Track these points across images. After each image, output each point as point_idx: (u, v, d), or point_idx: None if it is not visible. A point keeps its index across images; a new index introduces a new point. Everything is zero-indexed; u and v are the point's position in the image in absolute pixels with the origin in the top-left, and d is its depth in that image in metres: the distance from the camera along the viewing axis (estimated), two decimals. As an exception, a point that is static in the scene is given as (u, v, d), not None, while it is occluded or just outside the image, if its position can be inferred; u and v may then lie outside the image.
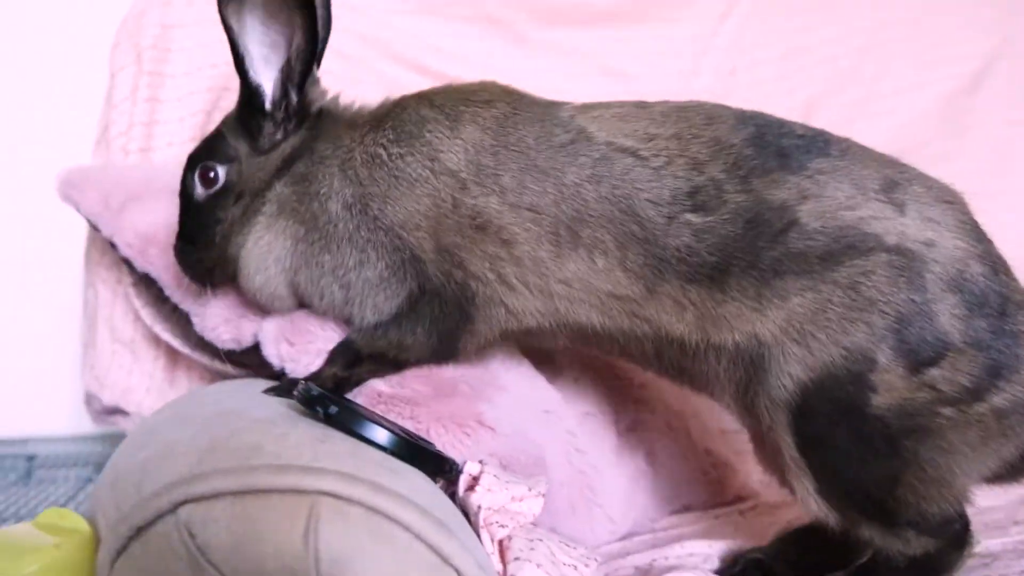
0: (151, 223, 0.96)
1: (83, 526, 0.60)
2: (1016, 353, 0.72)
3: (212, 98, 1.20)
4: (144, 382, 1.19)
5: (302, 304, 0.89)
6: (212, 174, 0.86)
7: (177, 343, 1.06)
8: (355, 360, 0.84)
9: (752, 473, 1.13)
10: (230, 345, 0.89)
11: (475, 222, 0.80)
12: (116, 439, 1.53)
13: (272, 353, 0.84)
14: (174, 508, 0.57)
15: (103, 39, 1.24)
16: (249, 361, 0.90)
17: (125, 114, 1.17)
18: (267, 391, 0.80)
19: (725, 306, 0.77)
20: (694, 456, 1.05)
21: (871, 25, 1.63)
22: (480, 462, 0.69)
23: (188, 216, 0.89)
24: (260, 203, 0.86)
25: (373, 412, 0.71)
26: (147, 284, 1.06)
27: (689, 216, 0.77)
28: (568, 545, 0.67)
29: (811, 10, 1.62)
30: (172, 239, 0.92)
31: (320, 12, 0.83)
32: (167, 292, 0.95)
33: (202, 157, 0.88)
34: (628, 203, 0.78)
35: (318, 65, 0.90)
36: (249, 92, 0.85)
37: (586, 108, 0.85)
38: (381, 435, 0.64)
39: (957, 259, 0.73)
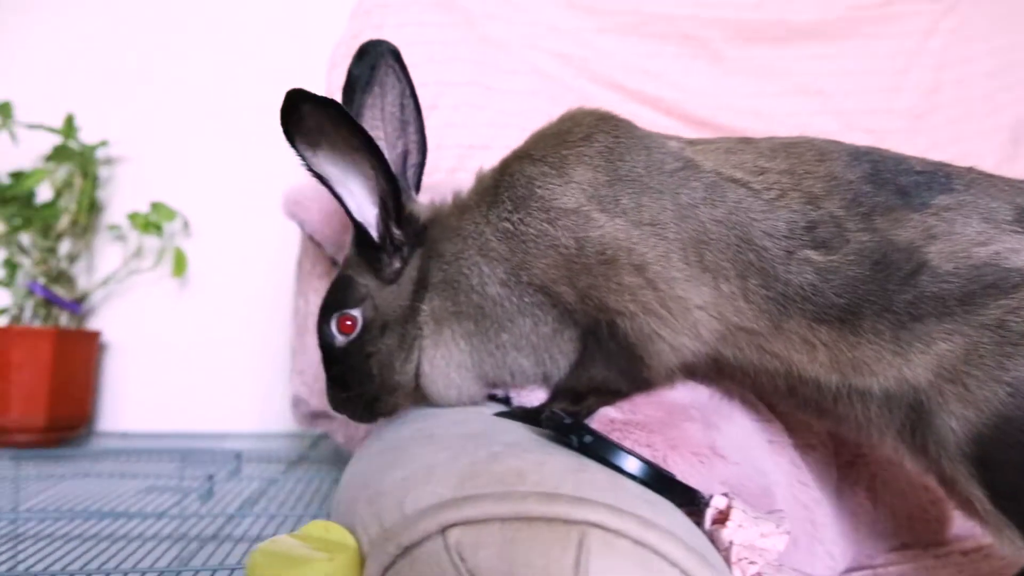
0: None
1: (350, 540, 0.63)
2: None
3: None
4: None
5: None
6: (349, 321, 0.86)
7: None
8: (577, 396, 0.83)
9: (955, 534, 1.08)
10: None
11: (602, 257, 0.78)
12: (301, 438, 1.60)
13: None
14: (442, 530, 0.58)
15: (320, 61, 1.30)
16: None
17: (341, 133, 1.22)
18: (499, 415, 0.81)
19: (860, 349, 0.75)
20: (913, 492, 1.01)
21: (1087, 40, 1.54)
22: (726, 495, 0.68)
23: (335, 364, 0.88)
24: (415, 328, 0.85)
25: (620, 442, 0.72)
26: None
27: (809, 253, 0.76)
28: (813, 584, 0.66)
29: (1020, 26, 1.55)
30: None
31: (389, 155, 0.86)
32: None
33: (336, 306, 0.87)
34: (744, 230, 0.77)
35: (417, 189, 0.92)
36: (359, 231, 0.86)
37: (690, 142, 0.84)
38: (634, 465, 0.64)
39: None
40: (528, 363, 0.85)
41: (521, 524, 0.57)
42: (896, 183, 0.77)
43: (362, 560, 0.62)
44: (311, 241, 1.18)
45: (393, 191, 0.83)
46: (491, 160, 1.24)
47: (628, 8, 1.43)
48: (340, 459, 1.47)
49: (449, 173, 1.24)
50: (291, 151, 0.78)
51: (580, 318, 0.81)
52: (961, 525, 1.05)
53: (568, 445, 0.67)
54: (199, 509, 1.23)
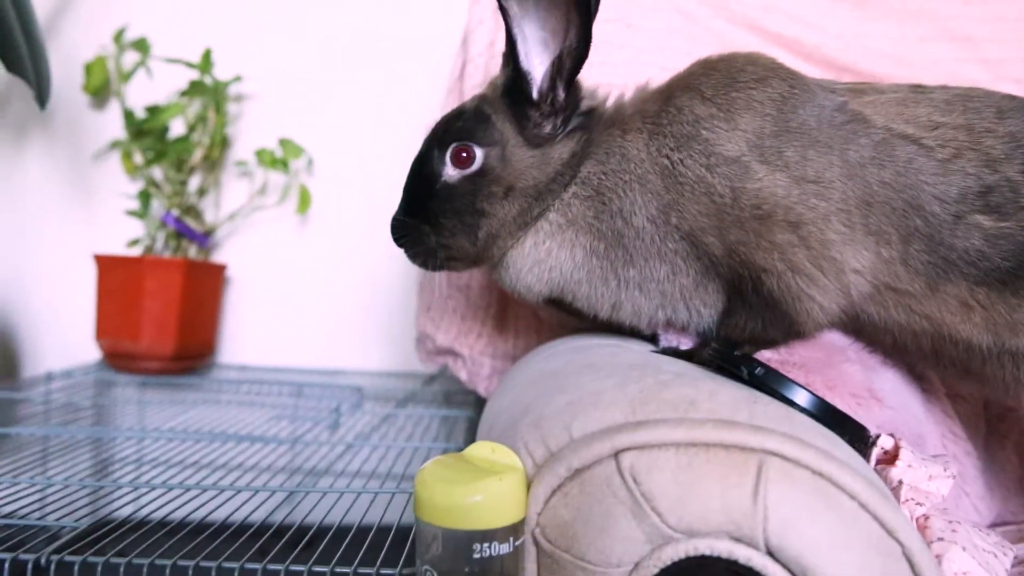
0: None
1: (516, 462, 0.63)
2: None
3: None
4: (477, 327, 1.24)
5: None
6: (466, 153, 0.81)
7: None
8: (732, 344, 0.81)
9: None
10: None
11: (758, 212, 0.76)
12: (414, 378, 1.62)
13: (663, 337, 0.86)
14: (615, 454, 0.58)
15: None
16: None
17: (480, 68, 1.21)
18: (660, 351, 0.80)
19: (1021, 311, 0.73)
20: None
21: None
22: (892, 435, 0.67)
23: (429, 195, 0.82)
24: (543, 207, 0.82)
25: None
26: None
27: (980, 218, 0.73)
28: (982, 530, 0.64)
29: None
30: None
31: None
32: None
33: (459, 135, 0.82)
34: (913, 193, 0.74)
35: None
36: (518, 77, 0.81)
37: (859, 92, 0.80)
38: (806, 398, 0.63)
39: None
40: (648, 305, 0.83)
41: (698, 450, 0.57)
42: None
43: (528, 482, 0.62)
44: None
45: (581, 53, 0.79)
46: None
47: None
48: (450, 399, 1.48)
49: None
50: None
51: (724, 271, 0.79)
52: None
53: (738, 378, 0.66)
54: (330, 437, 1.26)
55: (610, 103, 0.88)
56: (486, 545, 0.59)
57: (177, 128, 1.69)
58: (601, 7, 1.24)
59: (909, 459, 0.65)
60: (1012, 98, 0.79)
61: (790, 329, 0.78)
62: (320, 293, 1.73)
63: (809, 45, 1.37)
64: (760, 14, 1.37)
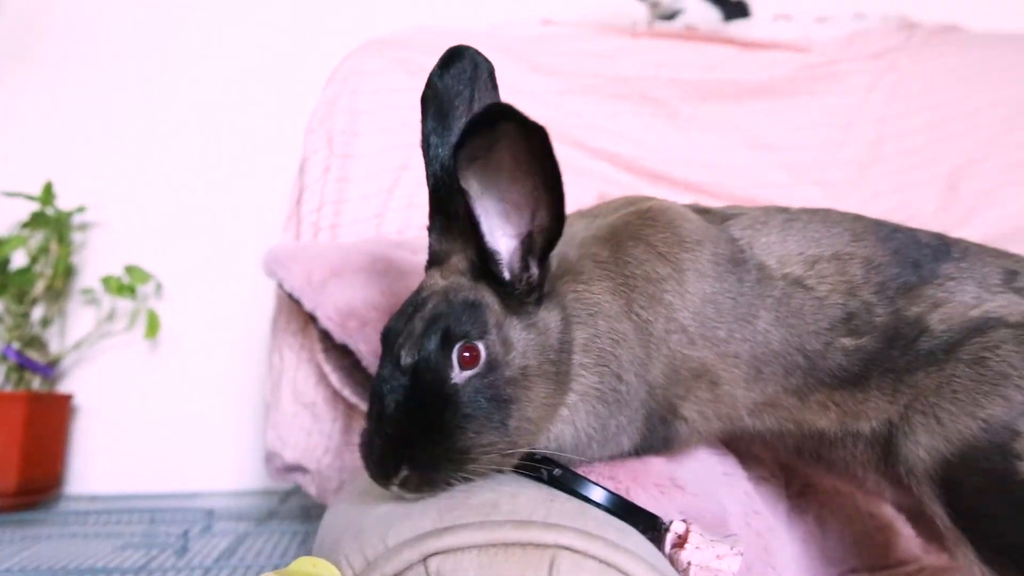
0: (350, 299, 1.05)
1: (336, 573, 0.66)
2: None
3: (394, 177, 1.30)
4: (323, 442, 1.27)
5: None
6: (469, 353, 0.73)
7: (364, 404, 1.14)
8: None
9: (913, 537, 1.13)
10: None
11: (694, 371, 0.84)
12: (270, 496, 1.62)
13: None
14: (423, 559, 0.62)
15: (300, 117, 1.36)
16: None
17: (316, 193, 1.27)
18: None
19: (866, 403, 0.84)
20: (859, 519, 1.06)
21: (1014, 95, 1.63)
22: (684, 521, 0.73)
23: (441, 404, 0.72)
24: (562, 391, 0.78)
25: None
26: (340, 353, 1.15)
27: (843, 340, 0.84)
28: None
29: (954, 83, 1.64)
30: (370, 314, 1.00)
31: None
32: (364, 362, 1.02)
33: (461, 335, 0.74)
34: (799, 341, 0.84)
35: None
36: (484, 258, 0.76)
37: (754, 228, 0.88)
38: (600, 495, 0.69)
39: None
40: (628, 445, 0.84)
41: (497, 549, 0.61)
42: (913, 259, 0.85)
43: (346, 591, 0.65)
44: (289, 299, 1.21)
45: (553, 233, 0.74)
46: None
47: (588, 71, 1.50)
48: (309, 514, 1.49)
49: (420, 230, 1.28)
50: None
51: (647, 412, 0.84)
52: (905, 550, 1.10)
53: (539, 479, 0.71)
54: (176, 563, 1.25)
55: (570, 258, 0.85)
56: (305, 656, 0.62)
57: (19, 260, 1.67)
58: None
59: (698, 541, 0.71)
60: (858, 218, 0.90)
61: (666, 446, 0.87)
62: (171, 416, 1.72)
63: (628, 157, 1.48)
64: (583, 132, 1.47)
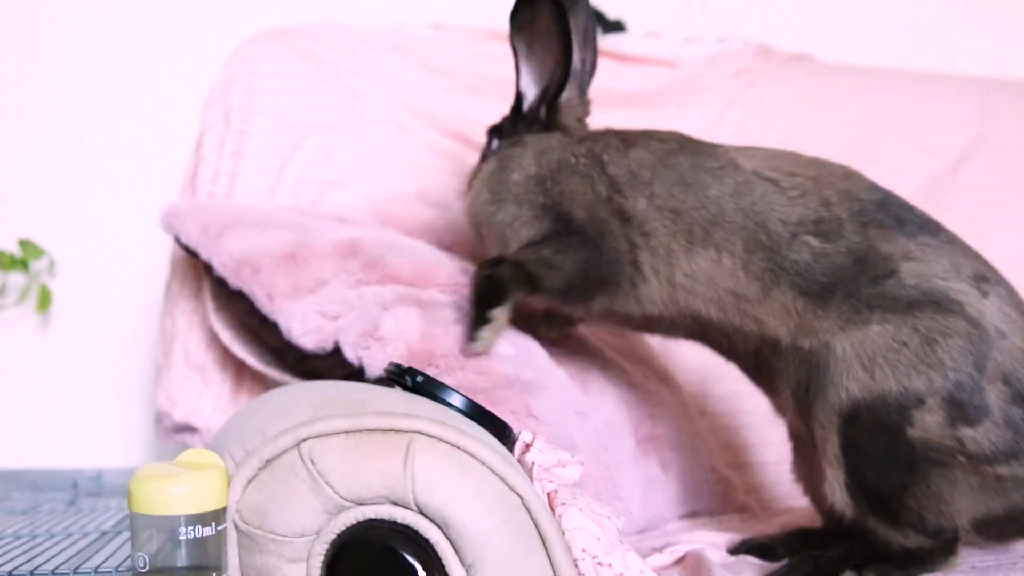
0: (244, 248, 1.13)
1: (219, 461, 0.75)
2: None
3: (286, 155, 1.38)
4: (211, 402, 1.34)
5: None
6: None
7: (252, 360, 1.22)
8: (497, 262, 1.04)
9: (750, 491, 1.28)
10: (314, 349, 1.04)
11: (622, 215, 1.00)
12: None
13: (351, 355, 1.00)
14: (297, 444, 0.72)
15: (195, 99, 1.44)
16: (327, 364, 1.06)
17: (212, 165, 1.35)
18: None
19: (822, 320, 0.93)
20: (700, 469, 1.20)
21: (862, 115, 1.82)
22: (532, 433, 0.84)
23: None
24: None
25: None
26: (230, 308, 1.23)
27: (810, 238, 0.94)
28: (599, 503, 0.82)
29: (807, 103, 1.81)
30: (263, 261, 1.09)
31: (579, 56, 1.10)
32: (258, 304, 1.10)
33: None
34: (761, 217, 0.95)
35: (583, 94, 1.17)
36: (517, 97, 1.16)
37: (742, 148, 1.05)
38: (458, 399, 0.80)
39: (1016, 357, 0.87)
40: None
41: (361, 434, 0.72)
42: (897, 214, 0.95)
43: (230, 478, 0.74)
44: (183, 262, 1.29)
45: (560, 82, 1.11)
46: (348, 196, 1.40)
47: (473, 71, 1.61)
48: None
49: (310, 205, 1.38)
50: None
51: (581, 227, 1.04)
52: (742, 502, 1.24)
53: (403, 386, 0.81)
54: (69, 527, 1.28)
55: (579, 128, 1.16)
56: (191, 528, 0.70)
57: (-90, 230, 1.70)
58: (319, 115, 1.42)
59: (541, 446, 0.82)
60: (861, 174, 1.01)
61: (585, 291, 1.03)
62: (61, 392, 1.75)
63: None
64: (465, 126, 1.58)
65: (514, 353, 1.07)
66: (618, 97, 1.70)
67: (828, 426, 0.92)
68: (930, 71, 2.04)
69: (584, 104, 1.17)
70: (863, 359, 0.89)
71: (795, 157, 1.02)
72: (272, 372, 1.21)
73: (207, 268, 1.17)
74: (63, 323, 1.77)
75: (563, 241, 1.03)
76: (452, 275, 1.16)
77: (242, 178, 1.36)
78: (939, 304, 0.89)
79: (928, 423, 0.87)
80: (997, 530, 0.92)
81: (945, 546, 0.91)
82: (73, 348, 1.77)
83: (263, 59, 1.41)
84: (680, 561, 0.94)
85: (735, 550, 1.00)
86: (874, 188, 0.98)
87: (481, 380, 0.97)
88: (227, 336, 1.24)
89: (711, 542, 1.01)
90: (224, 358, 1.33)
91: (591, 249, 1.01)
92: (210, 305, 1.25)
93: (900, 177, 1.80)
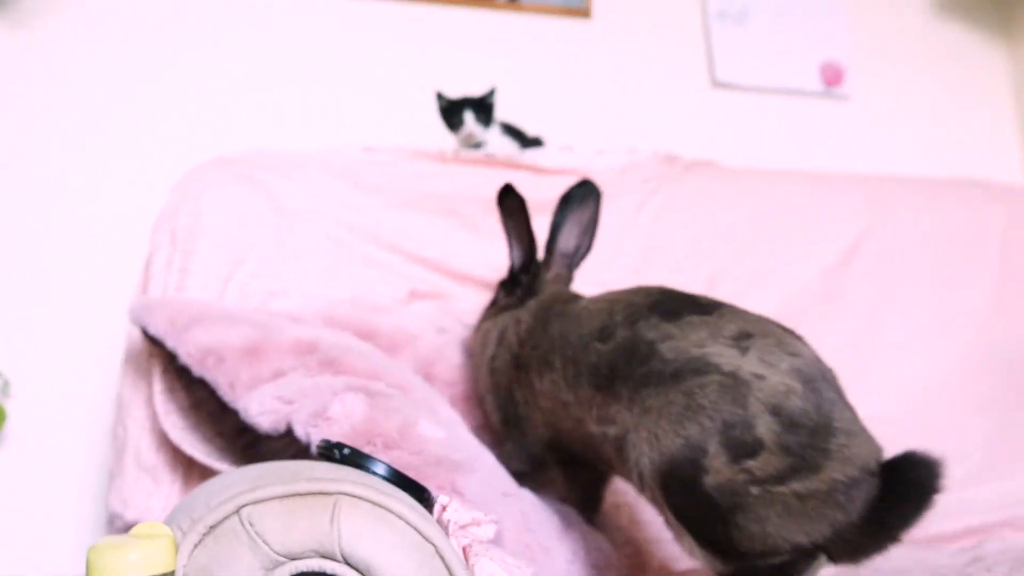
0: (211, 339, 1.24)
1: (168, 531, 0.84)
2: (817, 462, 0.95)
3: (230, 269, 1.51)
4: (162, 502, 1.43)
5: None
6: None
7: (200, 455, 1.32)
8: None
9: (667, 560, 1.38)
10: (268, 429, 1.14)
11: (517, 364, 1.28)
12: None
13: (301, 432, 1.10)
14: (238, 509, 0.82)
15: (142, 223, 1.57)
16: (279, 444, 1.16)
17: (160, 282, 1.47)
18: None
19: (612, 406, 1.10)
20: (617, 547, 1.31)
21: (757, 213, 2.00)
22: (449, 496, 0.95)
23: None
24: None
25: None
26: (187, 391, 1.33)
27: (596, 343, 1.14)
28: (511, 556, 0.93)
29: (709, 203, 1.99)
30: (227, 353, 1.22)
31: (576, 241, 1.44)
32: (221, 392, 1.21)
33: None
34: (570, 338, 1.18)
35: (570, 270, 1.46)
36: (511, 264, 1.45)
37: (601, 294, 1.26)
38: (381, 468, 0.91)
39: (779, 392, 0.97)
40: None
41: (294, 498, 0.82)
42: (669, 308, 1.11)
43: (178, 546, 0.84)
44: (152, 344, 1.36)
45: (519, 259, 1.44)
46: (289, 303, 1.52)
47: (404, 188, 1.76)
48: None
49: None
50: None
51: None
52: (659, 570, 1.35)
53: (333, 460, 0.92)
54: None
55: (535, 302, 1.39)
56: (143, 593, 0.80)
57: None
58: (260, 232, 1.56)
59: (457, 507, 0.92)
60: (662, 288, 1.19)
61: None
62: (15, 510, 1.81)
63: (437, 261, 1.74)
64: (400, 238, 1.72)
65: (445, 437, 1.18)
66: (537, 206, 1.86)
67: (657, 498, 1.05)
68: (821, 171, 2.24)
69: (567, 280, 1.44)
70: (649, 429, 1.04)
71: (629, 290, 1.22)
72: (220, 465, 1.30)
73: (169, 358, 1.27)
74: (16, 444, 1.84)
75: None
76: (401, 378, 1.31)
77: (189, 292, 1.48)
78: (696, 369, 1.01)
79: (718, 467, 0.97)
80: (845, 552, 1.00)
81: (801, 559, 0.99)
82: (28, 469, 1.83)
83: (207, 184, 1.55)
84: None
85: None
86: (654, 293, 1.16)
87: (413, 458, 1.08)
88: (176, 435, 1.34)
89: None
90: (174, 460, 1.42)
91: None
92: (158, 387, 1.35)
93: (799, 267, 1.99)
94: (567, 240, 1.41)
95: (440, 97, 1.88)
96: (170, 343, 1.26)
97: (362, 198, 1.73)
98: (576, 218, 1.40)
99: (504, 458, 1.26)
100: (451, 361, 1.52)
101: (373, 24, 2.20)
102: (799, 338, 1.08)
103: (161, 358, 1.38)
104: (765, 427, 0.96)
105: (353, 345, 1.35)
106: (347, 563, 0.81)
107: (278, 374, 1.23)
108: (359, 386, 1.20)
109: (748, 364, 1.00)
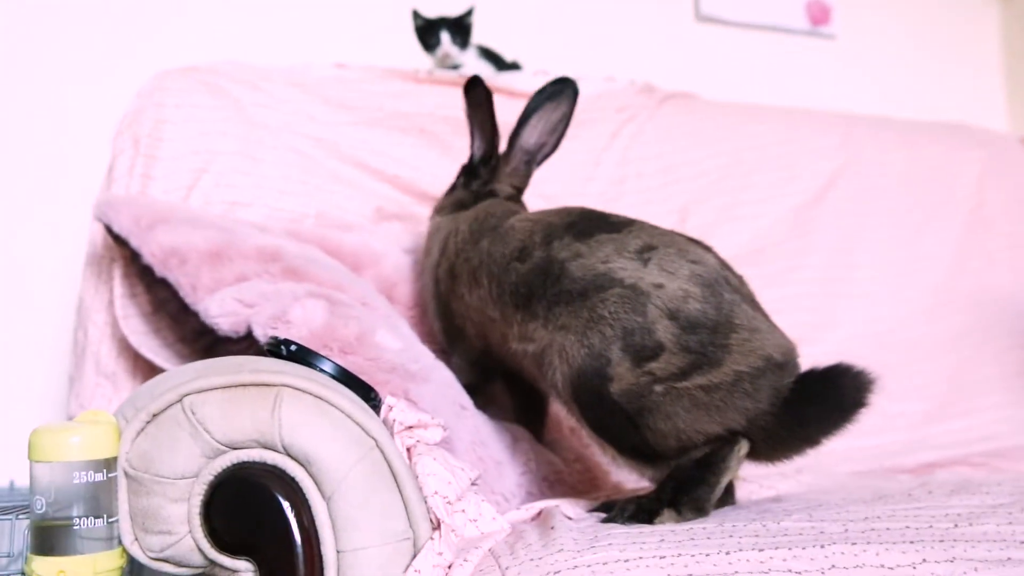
0: (175, 240, 1.23)
1: (111, 418, 0.85)
2: (718, 356, 0.98)
3: (193, 177, 1.49)
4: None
5: None
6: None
7: (160, 360, 1.31)
8: None
9: (622, 483, 1.40)
10: (228, 331, 1.14)
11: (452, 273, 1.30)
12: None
13: (259, 333, 1.09)
14: (180, 399, 0.82)
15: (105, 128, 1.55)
16: (238, 348, 1.16)
17: (122, 187, 1.45)
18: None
19: (530, 324, 1.12)
20: (567, 463, 1.33)
21: (733, 148, 1.99)
22: (397, 398, 0.95)
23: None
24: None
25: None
26: (149, 294, 1.34)
27: (516, 264, 1.15)
28: (456, 459, 0.93)
29: (684, 135, 1.98)
30: (191, 255, 1.21)
31: (538, 139, 1.41)
32: (182, 294, 1.20)
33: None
34: (492, 256, 1.19)
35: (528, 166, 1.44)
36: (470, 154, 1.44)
37: (534, 212, 1.28)
38: (328, 365, 0.91)
39: (677, 297, 1.00)
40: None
41: (236, 388, 0.83)
42: (581, 226, 1.12)
43: (120, 432, 0.84)
44: (115, 241, 1.34)
45: (479, 152, 1.42)
46: (252, 215, 1.51)
47: (374, 105, 1.75)
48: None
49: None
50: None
51: None
52: (612, 485, 1.36)
53: (280, 355, 0.92)
54: None
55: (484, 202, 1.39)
56: (83, 473, 0.80)
57: None
58: (224, 143, 1.54)
59: (403, 407, 0.93)
60: (581, 209, 1.20)
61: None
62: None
63: (406, 179, 1.72)
64: (366, 155, 1.71)
65: (401, 347, 1.18)
66: (509, 128, 1.84)
67: (574, 413, 1.07)
68: (799, 107, 2.23)
69: (524, 176, 1.44)
70: (560, 344, 1.06)
71: (554, 210, 1.23)
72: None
73: (131, 258, 1.26)
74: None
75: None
76: (364, 293, 1.30)
77: (151, 198, 1.46)
78: (600, 284, 1.04)
79: (622, 373, 1.00)
80: (764, 442, 1.03)
81: (723, 448, 1.03)
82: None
83: (171, 91, 1.53)
84: (536, 517, 1.05)
85: (590, 510, 1.12)
86: (574, 214, 1.17)
87: (368, 365, 1.08)
88: (136, 339, 1.34)
89: (571, 507, 1.13)
90: (134, 367, 1.42)
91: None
92: (118, 291, 1.35)
93: (772, 203, 1.99)
94: (530, 135, 1.39)
95: (416, 15, 1.85)
96: (134, 242, 1.24)
97: (331, 114, 1.71)
98: (545, 114, 1.37)
99: (455, 371, 1.26)
100: (414, 284, 1.51)
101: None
102: (706, 248, 1.11)
103: (123, 261, 1.37)
104: (664, 331, 0.99)
105: (318, 258, 1.34)
106: (287, 453, 0.81)
107: (240, 278, 1.22)
108: (321, 293, 1.19)
109: (648, 275, 1.03)
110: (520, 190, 1.44)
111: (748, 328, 1.01)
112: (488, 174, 1.42)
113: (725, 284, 1.04)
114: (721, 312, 1.00)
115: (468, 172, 1.45)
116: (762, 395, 0.99)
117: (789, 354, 1.03)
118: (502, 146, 1.41)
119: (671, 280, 1.02)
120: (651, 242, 1.08)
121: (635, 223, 1.13)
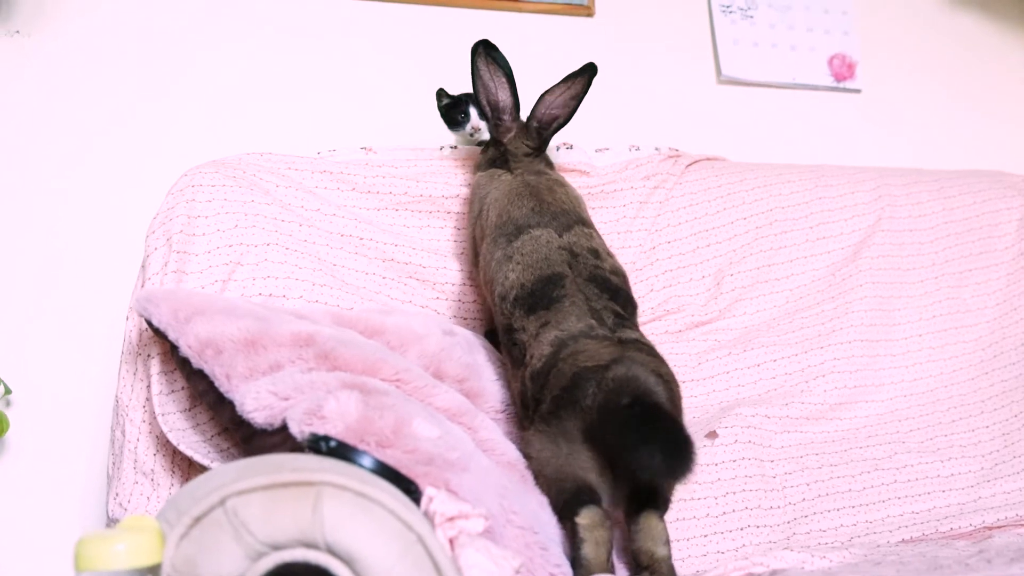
0: (211, 331, 1.24)
1: (155, 524, 0.83)
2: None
3: (227, 271, 1.49)
4: (160, 506, 1.42)
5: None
6: None
7: (198, 456, 1.31)
8: None
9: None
10: (263, 424, 1.13)
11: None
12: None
13: (295, 430, 1.09)
14: (222, 500, 0.81)
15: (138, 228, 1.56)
16: (274, 440, 1.15)
17: (157, 284, 1.46)
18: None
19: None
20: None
21: (765, 208, 1.97)
22: (437, 489, 0.93)
23: None
24: None
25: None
26: (187, 389, 1.34)
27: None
28: (498, 546, 0.91)
29: (714, 199, 1.97)
30: (226, 345, 1.23)
31: (491, 96, 1.67)
32: (217, 383, 1.21)
33: None
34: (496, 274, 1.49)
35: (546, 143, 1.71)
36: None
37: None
38: (367, 460, 0.89)
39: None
40: None
41: (277, 488, 0.81)
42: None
43: (164, 537, 0.83)
44: (155, 334, 1.36)
45: (488, 111, 1.68)
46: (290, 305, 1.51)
47: (400, 191, 1.76)
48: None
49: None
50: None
51: None
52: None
53: (320, 451, 0.91)
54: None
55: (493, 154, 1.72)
56: (130, 582, 0.79)
57: None
58: (257, 234, 1.54)
59: (444, 498, 0.91)
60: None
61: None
62: (17, 519, 1.81)
63: (433, 269, 1.71)
64: (391, 248, 1.71)
65: (439, 435, 1.17)
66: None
67: None
68: (829, 163, 2.21)
69: (525, 133, 1.68)
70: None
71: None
72: (218, 466, 1.29)
73: (171, 351, 1.27)
74: (18, 450, 1.83)
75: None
76: (396, 371, 1.31)
77: (189, 291, 1.46)
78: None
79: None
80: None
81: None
82: (29, 471, 1.83)
83: (201, 187, 1.54)
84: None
85: None
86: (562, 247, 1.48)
87: (406, 457, 1.07)
88: (174, 436, 1.34)
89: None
90: (172, 463, 1.42)
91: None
92: (156, 389, 1.35)
93: (807, 262, 1.96)
94: (547, 108, 1.66)
95: (441, 94, 1.87)
96: (172, 335, 1.25)
97: (358, 199, 1.73)
98: (560, 91, 1.64)
99: None
100: (460, 360, 1.50)
101: (373, 26, 2.19)
102: None
103: (160, 358, 1.37)
104: None
105: (351, 339, 1.33)
106: (330, 552, 0.80)
107: (275, 367, 1.22)
108: (354, 383, 1.19)
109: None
110: (537, 149, 1.69)
111: None
112: (514, 139, 1.67)
113: None
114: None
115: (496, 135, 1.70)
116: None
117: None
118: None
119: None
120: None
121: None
